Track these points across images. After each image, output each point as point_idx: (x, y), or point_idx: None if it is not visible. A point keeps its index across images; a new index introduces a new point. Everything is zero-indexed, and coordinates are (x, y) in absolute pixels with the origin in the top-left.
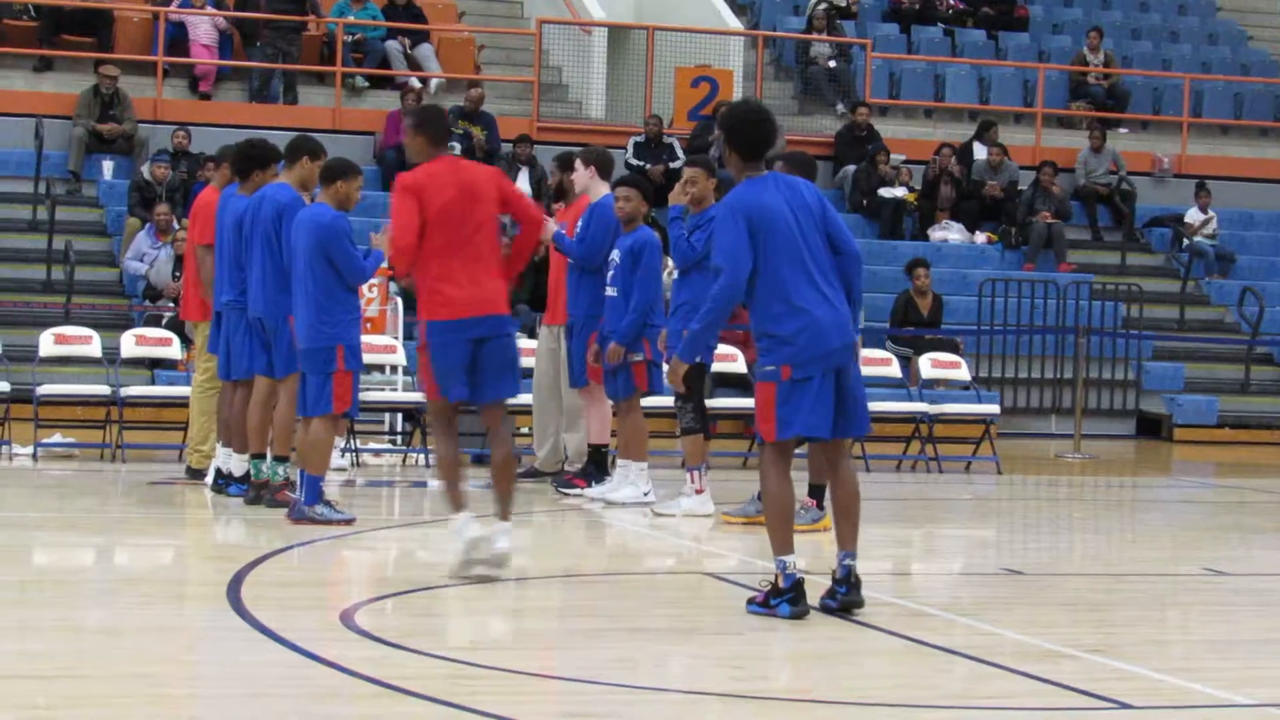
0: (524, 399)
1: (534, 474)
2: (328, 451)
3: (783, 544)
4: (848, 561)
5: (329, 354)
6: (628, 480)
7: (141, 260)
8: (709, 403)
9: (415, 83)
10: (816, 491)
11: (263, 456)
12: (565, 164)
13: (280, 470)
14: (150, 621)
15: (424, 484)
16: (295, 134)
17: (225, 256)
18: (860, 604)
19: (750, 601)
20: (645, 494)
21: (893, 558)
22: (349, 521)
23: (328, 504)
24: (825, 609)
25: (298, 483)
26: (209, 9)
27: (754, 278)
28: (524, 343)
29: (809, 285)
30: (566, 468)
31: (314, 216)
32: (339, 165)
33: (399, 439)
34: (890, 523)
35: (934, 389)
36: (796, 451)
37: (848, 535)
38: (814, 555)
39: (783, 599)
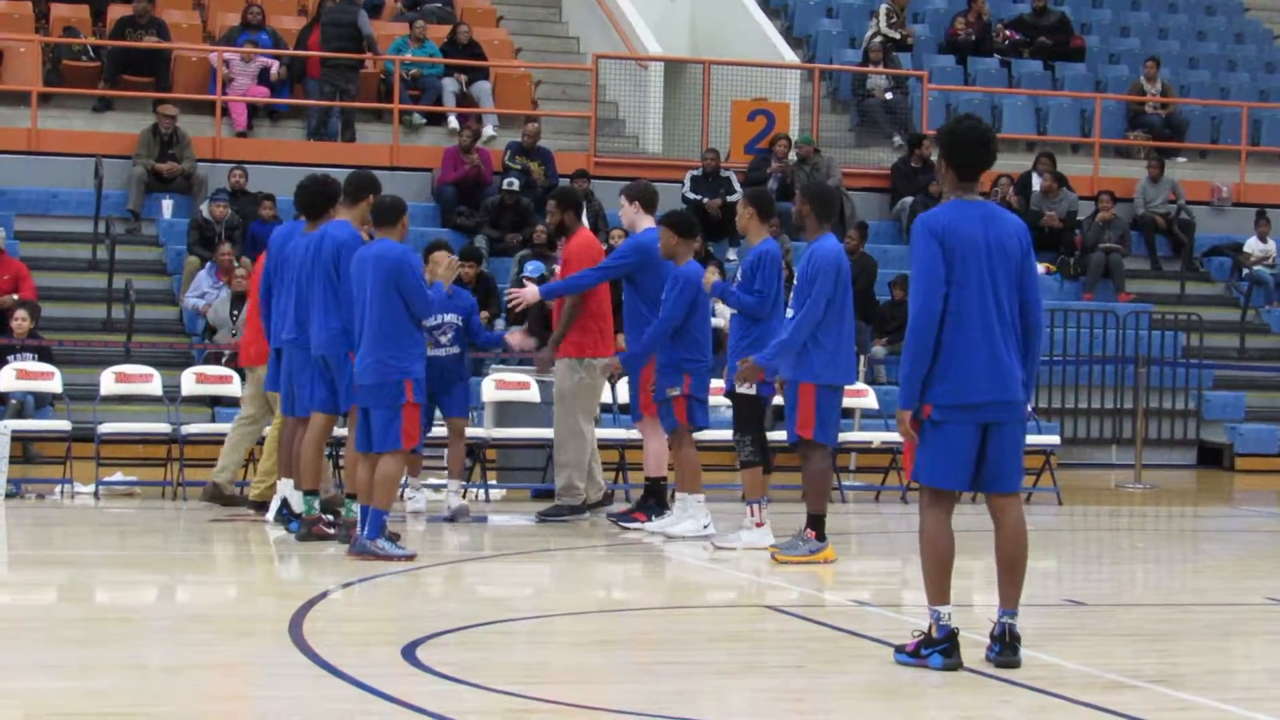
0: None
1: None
2: (396, 487)
3: (938, 593)
4: (1005, 619)
5: (398, 388)
6: (687, 514)
7: (202, 299)
8: (769, 435)
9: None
10: (816, 522)
11: (315, 493)
12: (564, 201)
13: (354, 507)
14: (213, 658)
15: (484, 519)
16: (353, 170)
17: (288, 292)
18: (1016, 665)
19: (899, 651)
20: (705, 527)
21: (954, 589)
22: (410, 557)
23: (390, 539)
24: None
25: (359, 518)
26: (258, 48)
27: None
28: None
29: (981, 328)
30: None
31: (385, 251)
32: (400, 203)
33: None
34: None
35: None
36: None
37: (1008, 592)
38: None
39: (935, 650)
